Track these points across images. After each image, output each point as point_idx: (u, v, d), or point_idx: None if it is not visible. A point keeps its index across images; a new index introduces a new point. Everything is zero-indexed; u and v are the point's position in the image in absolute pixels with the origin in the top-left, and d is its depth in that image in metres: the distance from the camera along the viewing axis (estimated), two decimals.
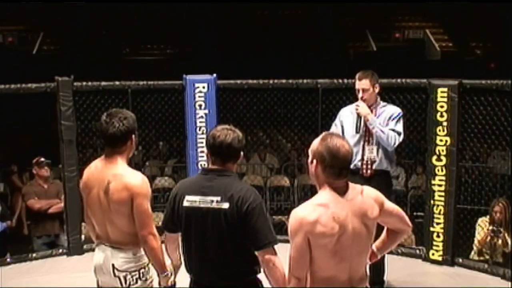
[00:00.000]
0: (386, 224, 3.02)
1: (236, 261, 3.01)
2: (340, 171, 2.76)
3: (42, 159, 6.74)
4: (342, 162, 2.75)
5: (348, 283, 2.80)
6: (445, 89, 5.73)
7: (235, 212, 2.93)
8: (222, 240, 2.97)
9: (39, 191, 6.77)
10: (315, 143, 2.83)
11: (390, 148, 4.91)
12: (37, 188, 6.80)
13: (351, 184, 2.84)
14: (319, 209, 2.73)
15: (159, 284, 3.34)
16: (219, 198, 2.96)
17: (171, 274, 3.33)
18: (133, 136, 3.35)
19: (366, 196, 2.82)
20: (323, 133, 2.88)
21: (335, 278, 2.78)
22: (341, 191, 2.78)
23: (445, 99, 5.72)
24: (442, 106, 5.73)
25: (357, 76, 4.98)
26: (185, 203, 3.02)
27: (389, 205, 2.96)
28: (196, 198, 3.00)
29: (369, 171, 4.97)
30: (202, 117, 6.45)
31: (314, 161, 2.81)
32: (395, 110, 5.00)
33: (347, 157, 2.77)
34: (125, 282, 3.31)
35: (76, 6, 16.34)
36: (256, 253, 2.98)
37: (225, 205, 2.94)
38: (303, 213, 2.75)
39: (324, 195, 2.79)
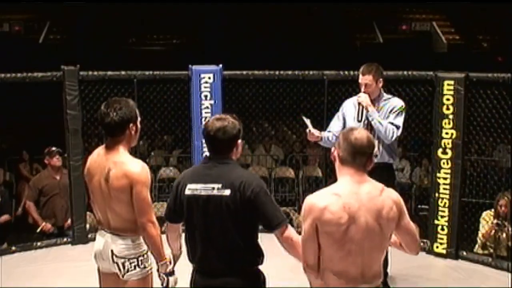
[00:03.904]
0: (398, 236, 2.96)
1: (239, 249, 3.02)
2: (353, 155, 2.80)
3: (53, 148, 6.69)
4: (353, 146, 2.79)
5: (360, 279, 2.80)
6: (452, 82, 5.71)
7: (237, 198, 2.95)
8: (224, 227, 2.98)
9: (52, 183, 6.69)
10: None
11: (387, 141, 4.86)
12: (50, 180, 6.70)
13: (372, 181, 2.85)
14: (330, 197, 2.76)
15: (158, 271, 3.36)
16: (220, 185, 2.97)
17: (169, 262, 3.35)
18: (132, 125, 3.35)
19: (385, 196, 2.82)
20: None
21: (346, 273, 2.79)
22: (359, 184, 2.80)
23: (451, 92, 5.70)
24: (448, 99, 5.72)
25: (360, 70, 4.94)
26: (187, 192, 3.04)
27: (407, 220, 2.90)
28: (198, 186, 3.02)
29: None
30: (207, 107, 6.45)
31: (333, 148, 2.90)
32: (397, 103, 4.95)
33: (359, 142, 2.80)
34: (124, 269, 3.34)
35: None
36: (273, 233, 3.02)
37: (227, 192, 2.96)
38: (314, 199, 2.79)
39: (340, 184, 2.83)
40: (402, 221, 2.86)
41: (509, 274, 5.48)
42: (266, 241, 3.21)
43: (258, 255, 3.07)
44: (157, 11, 17.10)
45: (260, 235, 3.12)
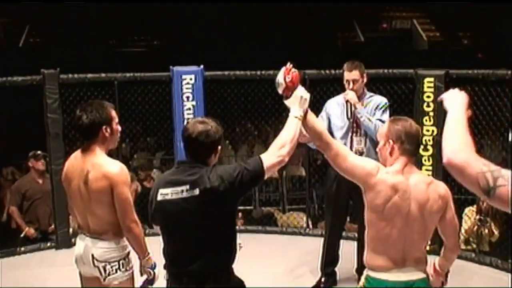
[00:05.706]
0: (440, 227, 3.06)
1: (214, 250, 2.97)
2: (416, 146, 2.97)
3: (39, 152, 6.65)
4: (417, 138, 2.97)
5: (401, 263, 2.91)
6: (432, 79, 5.75)
7: (209, 196, 2.88)
8: (199, 227, 2.93)
9: (34, 188, 6.66)
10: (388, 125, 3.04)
11: (376, 137, 4.89)
12: (33, 185, 6.68)
13: (421, 173, 3.02)
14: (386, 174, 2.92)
15: (140, 266, 3.39)
16: (187, 187, 2.91)
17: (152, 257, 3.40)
18: (105, 127, 3.34)
19: (432, 190, 2.92)
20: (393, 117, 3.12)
21: (387, 255, 2.90)
22: (409, 174, 2.92)
23: (432, 89, 5.74)
24: (428, 96, 5.76)
25: (346, 67, 4.93)
26: (159, 197, 2.99)
27: (452, 214, 3.02)
28: (168, 190, 2.96)
29: None
30: (189, 109, 6.43)
31: (379, 137, 3.05)
32: (381, 100, 4.99)
33: (419, 134, 2.98)
34: (105, 272, 3.34)
35: None
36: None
37: (196, 192, 2.89)
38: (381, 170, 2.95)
39: (394, 168, 2.94)
40: (447, 214, 2.98)
41: (493, 269, 5.54)
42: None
43: (230, 256, 3.04)
44: (137, 12, 17.03)
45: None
